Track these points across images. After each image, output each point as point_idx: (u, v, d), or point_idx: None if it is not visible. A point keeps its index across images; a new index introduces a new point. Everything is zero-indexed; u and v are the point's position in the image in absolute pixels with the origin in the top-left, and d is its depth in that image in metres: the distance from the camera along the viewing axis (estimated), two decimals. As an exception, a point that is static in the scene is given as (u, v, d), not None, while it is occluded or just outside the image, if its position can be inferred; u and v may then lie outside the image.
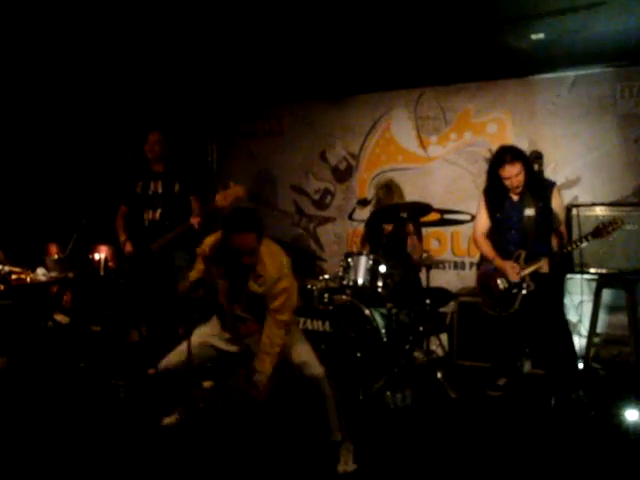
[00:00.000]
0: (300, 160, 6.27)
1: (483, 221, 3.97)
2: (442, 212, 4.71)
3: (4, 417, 3.51)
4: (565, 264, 3.95)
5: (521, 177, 3.68)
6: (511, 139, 5.07)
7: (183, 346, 3.06)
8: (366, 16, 4.00)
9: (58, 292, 4.69)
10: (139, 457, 3.05)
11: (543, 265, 3.66)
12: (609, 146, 4.90)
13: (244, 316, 3.05)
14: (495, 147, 4.83)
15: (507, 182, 3.72)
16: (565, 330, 3.83)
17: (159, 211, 4.45)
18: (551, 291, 3.79)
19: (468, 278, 5.31)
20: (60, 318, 5.00)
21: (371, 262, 4.16)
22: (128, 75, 5.26)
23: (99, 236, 5.01)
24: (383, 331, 4.08)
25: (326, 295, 4.30)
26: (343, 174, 6.09)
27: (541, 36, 4.27)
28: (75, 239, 4.56)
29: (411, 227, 4.23)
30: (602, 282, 4.39)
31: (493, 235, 3.95)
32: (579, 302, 4.75)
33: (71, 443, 3.20)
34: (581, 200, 4.83)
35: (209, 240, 3.03)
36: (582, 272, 4.29)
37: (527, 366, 4.42)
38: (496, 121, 5.34)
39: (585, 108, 4.97)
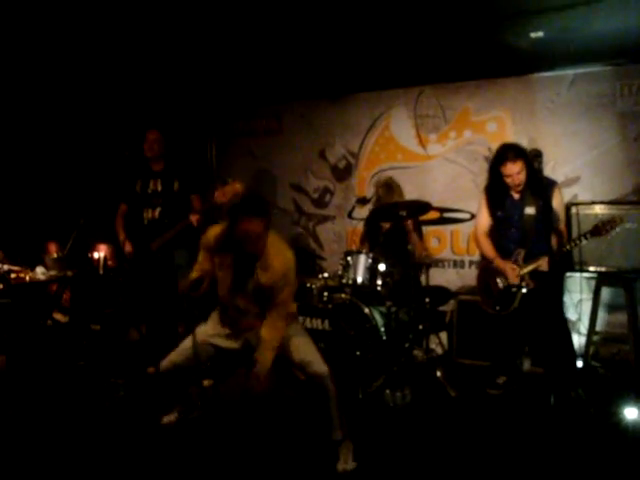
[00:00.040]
0: (299, 159, 6.27)
1: (484, 219, 3.98)
2: (442, 210, 4.71)
3: (4, 416, 3.51)
4: (564, 263, 3.96)
5: (522, 175, 3.69)
6: (510, 137, 5.06)
7: (184, 345, 3.07)
8: (365, 14, 3.99)
9: (57, 291, 4.69)
10: (139, 456, 3.05)
11: (542, 264, 3.66)
12: (609, 144, 4.89)
13: (246, 308, 3.03)
14: (495, 145, 4.83)
15: (508, 180, 3.72)
16: (564, 328, 3.84)
17: (158, 210, 4.45)
18: (550, 290, 3.79)
19: (468, 277, 5.32)
20: (59, 317, 4.99)
21: (370, 261, 4.16)
22: (127, 74, 5.26)
23: (98, 235, 5.00)
24: (382, 329, 4.09)
25: (325, 293, 4.30)
26: (342, 173, 6.08)
27: (540, 34, 4.26)
28: (74, 238, 4.56)
29: (411, 225, 4.22)
30: (601, 280, 4.39)
31: (493, 233, 3.97)
32: (578, 300, 4.76)
33: (71, 442, 3.20)
34: (581, 198, 4.83)
35: (214, 230, 3.01)
36: (581, 270, 4.28)
37: (526, 364, 4.42)
38: (495, 119, 5.33)
39: (584, 106, 4.97)
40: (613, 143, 4.88)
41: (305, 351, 2.98)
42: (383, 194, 4.58)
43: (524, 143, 4.64)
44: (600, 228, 3.50)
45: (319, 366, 2.91)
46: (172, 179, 4.48)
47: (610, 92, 4.88)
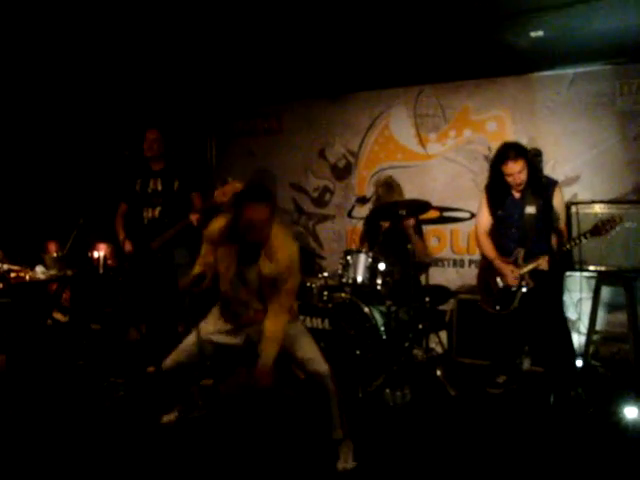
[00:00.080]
0: (299, 158, 6.27)
1: (485, 218, 3.98)
2: (441, 210, 4.71)
3: (3, 415, 3.51)
4: (564, 262, 3.96)
5: (523, 174, 3.69)
6: (510, 137, 5.06)
7: (186, 342, 3.06)
8: (365, 14, 3.99)
9: (57, 290, 4.69)
10: (138, 455, 3.05)
11: (542, 263, 3.67)
12: (608, 143, 4.89)
13: (249, 302, 3.01)
14: (494, 145, 4.84)
15: (509, 179, 3.72)
16: (564, 328, 3.84)
17: (158, 209, 4.45)
18: (550, 289, 3.80)
19: (467, 276, 5.32)
20: (59, 316, 4.99)
21: (370, 260, 4.16)
22: (127, 73, 5.25)
23: (98, 234, 5.00)
24: (382, 329, 4.09)
25: (325, 293, 4.30)
26: (342, 172, 6.08)
27: (540, 33, 4.26)
28: (74, 237, 4.56)
29: (411, 224, 4.21)
30: (601, 279, 4.39)
31: (494, 232, 3.97)
32: (578, 300, 4.76)
33: (70, 441, 3.20)
34: (580, 198, 4.83)
35: (217, 223, 3.00)
36: (581, 270, 4.28)
37: (526, 364, 4.43)
38: (495, 119, 5.33)
39: (584, 106, 4.97)
40: (613, 142, 4.88)
41: (306, 349, 2.98)
42: (383, 193, 4.58)
43: (524, 142, 4.64)
44: (600, 228, 3.51)
45: (320, 365, 2.91)
46: (172, 178, 4.48)
47: (610, 91, 4.88)
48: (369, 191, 5.70)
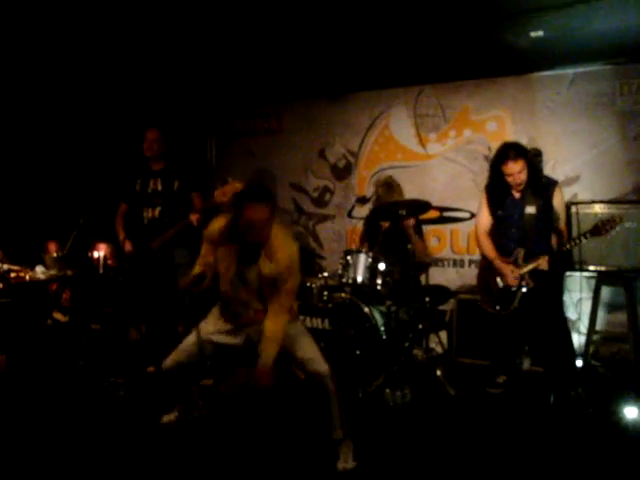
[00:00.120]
0: (299, 158, 6.27)
1: (485, 218, 3.98)
2: (441, 210, 4.71)
3: (3, 415, 3.51)
4: (564, 262, 3.95)
5: (524, 174, 3.68)
6: (510, 137, 5.06)
7: (186, 342, 3.06)
8: (365, 13, 3.99)
9: (57, 290, 4.69)
10: (138, 455, 3.05)
11: (542, 263, 3.66)
12: (608, 144, 4.89)
13: (249, 302, 3.01)
14: (494, 145, 4.83)
15: (509, 179, 3.72)
16: (564, 328, 3.84)
17: (158, 209, 4.45)
18: (550, 289, 3.79)
19: (467, 276, 5.32)
20: (59, 316, 4.99)
21: (370, 260, 4.16)
22: (127, 72, 5.25)
23: (98, 234, 5.00)
24: (382, 329, 4.09)
25: (325, 293, 4.30)
26: (342, 172, 6.08)
27: (540, 33, 4.26)
28: (74, 237, 4.56)
29: (410, 224, 4.20)
30: (601, 279, 4.39)
31: (493, 233, 3.97)
32: (578, 300, 4.76)
33: (70, 441, 3.20)
34: (580, 198, 4.83)
35: (217, 223, 3.00)
36: (581, 269, 4.28)
37: (526, 364, 4.43)
38: (495, 119, 5.33)
39: (584, 106, 4.97)
40: (613, 142, 4.88)
41: (306, 349, 2.98)
42: (383, 193, 4.58)
43: (524, 142, 4.63)
44: (600, 228, 3.51)
45: (320, 365, 2.91)
46: (172, 178, 4.48)
47: (610, 91, 4.88)
48: (369, 191, 5.70)
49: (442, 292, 4.77)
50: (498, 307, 3.88)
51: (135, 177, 4.54)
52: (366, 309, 4.08)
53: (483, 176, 4.98)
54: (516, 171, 3.67)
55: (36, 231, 5.22)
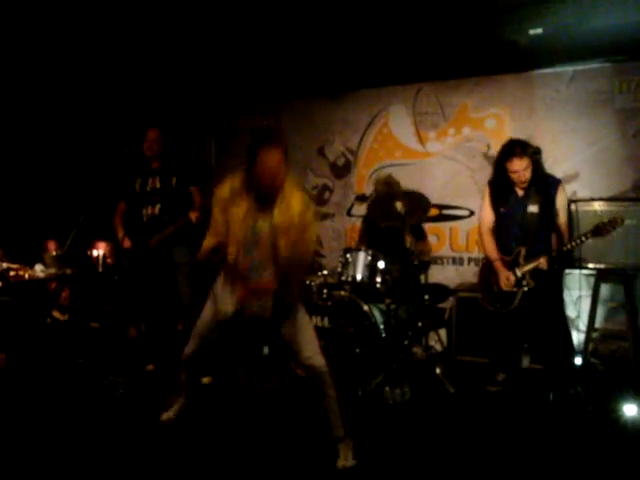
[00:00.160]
0: (298, 156, 6.25)
1: (488, 215, 3.95)
2: (440, 208, 4.71)
3: (3, 414, 3.51)
4: (565, 261, 3.94)
5: (528, 172, 3.67)
6: (509, 134, 5.04)
7: (203, 316, 3.06)
8: (364, 11, 3.99)
9: (56, 289, 4.69)
10: (138, 453, 3.05)
11: (543, 262, 3.65)
12: (608, 141, 4.89)
13: (260, 264, 2.90)
14: (493, 142, 4.84)
15: (514, 176, 3.70)
16: (564, 326, 3.83)
17: (158, 206, 4.43)
18: (551, 288, 3.79)
19: (466, 274, 5.32)
20: (58, 315, 4.99)
21: (370, 258, 4.16)
22: (126, 71, 5.25)
23: (97, 232, 5.00)
24: (382, 327, 4.09)
25: (325, 291, 4.30)
26: (341, 170, 6.08)
27: (539, 31, 4.26)
28: (73, 236, 4.55)
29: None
30: (600, 277, 4.39)
31: (495, 230, 3.94)
32: (577, 297, 4.75)
33: (70, 439, 3.20)
34: (580, 195, 4.83)
35: (229, 181, 2.95)
36: (580, 267, 4.28)
37: (526, 361, 4.43)
38: (494, 116, 5.33)
39: (583, 103, 4.97)
40: (612, 140, 4.88)
41: (305, 341, 2.92)
42: (382, 191, 4.58)
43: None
44: (601, 228, 3.50)
45: (318, 359, 2.89)
46: (170, 175, 4.46)
47: (609, 89, 4.87)
48: (368, 189, 5.70)
49: (441, 290, 4.77)
50: (499, 306, 3.87)
51: (135, 176, 4.53)
52: (365, 307, 4.08)
53: (482, 174, 5.00)
54: (521, 168, 3.65)
55: (35, 230, 5.22)
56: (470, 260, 5.38)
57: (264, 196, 2.84)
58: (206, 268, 2.91)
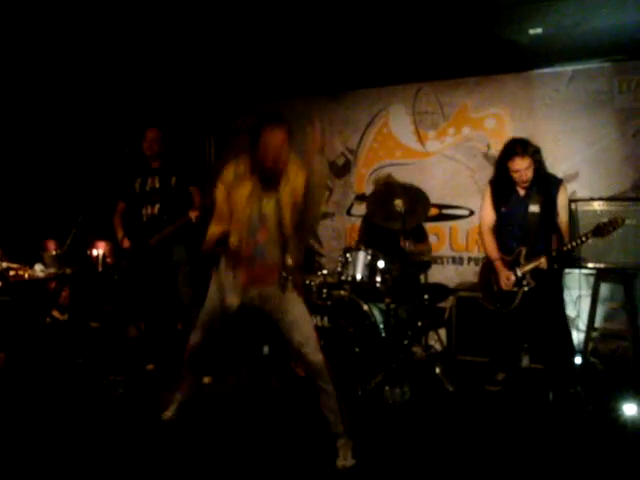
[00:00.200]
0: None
1: (489, 214, 3.95)
2: (440, 207, 4.71)
3: (3, 414, 3.51)
4: (566, 261, 3.94)
5: (530, 172, 3.67)
6: (509, 134, 5.04)
7: (203, 314, 3.06)
8: (364, 11, 3.99)
9: (56, 288, 4.69)
10: (138, 453, 3.05)
11: (543, 262, 3.64)
12: (607, 141, 4.89)
13: (264, 248, 2.87)
14: (493, 142, 4.84)
15: (516, 175, 3.70)
16: (564, 326, 3.83)
17: (157, 206, 4.43)
18: (551, 288, 3.79)
19: (466, 273, 5.32)
20: (58, 315, 4.99)
21: (369, 257, 4.16)
22: (126, 71, 5.25)
23: (97, 232, 5.00)
24: (381, 326, 4.09)
25: (324, 290, 4.30)
26: (341, 169, 6.07)
27: (539, 31, 4.26)
28: (73, 235, 4.56)
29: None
30: (600, 277, 4.40)
31: (496, 230, 3.94)
32: (577, 297, 4.75)
33: (70, 439, 3.20)
34: (579, 195, 4.83)
35: (232, 165, 2.95)
36: (580, 267, 4.29)
37: (525, 361, 4.43)
38: (494, 116, 5.33)
39: (583, 103, 4.97)
40: (612, 139, 4.88)
41: (303, 334, 2.89)
42: (382, 191, 4.58)
43: (522, 140, 4.65)
44: (602, 229, 3.50)
45: (316, 355, 2.87)
46: (169, 175, 4.46)
47: (609, 88, 4.87)
48: (368, 189, 5.70)
49: (441, 289, 4.78)
50: (499, 305, 3.87)
51: (134, 176, 4.53)
52: (365, 307, 4.09)
53: (482, 173, 5.00)
54: (523, 167, 3.64)
55: (35, 229, 5.22)
56: (470, 260, 5.38)
57: (268, 177, 2.85)
58: (211, 259, 2.90)
